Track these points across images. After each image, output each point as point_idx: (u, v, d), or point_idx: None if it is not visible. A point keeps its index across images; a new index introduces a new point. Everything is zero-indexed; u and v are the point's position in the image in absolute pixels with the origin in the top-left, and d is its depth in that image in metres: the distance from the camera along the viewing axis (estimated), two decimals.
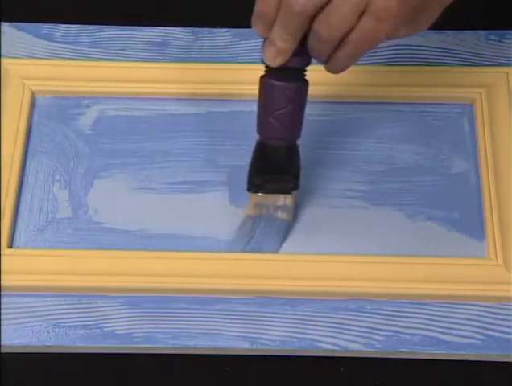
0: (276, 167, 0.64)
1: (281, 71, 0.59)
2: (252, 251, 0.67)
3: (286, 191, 0.66)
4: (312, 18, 0.54)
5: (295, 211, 0.68)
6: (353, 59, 0.57)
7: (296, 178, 0.66)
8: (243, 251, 0.67)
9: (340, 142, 0.72)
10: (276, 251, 0.67)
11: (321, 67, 0.74)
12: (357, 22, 0.54)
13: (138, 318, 0.65)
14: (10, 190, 0.69)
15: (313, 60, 0.59)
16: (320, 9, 0.54)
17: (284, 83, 0.59)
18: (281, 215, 0.67)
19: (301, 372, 0.64)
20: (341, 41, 0.55)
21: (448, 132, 0.73)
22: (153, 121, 0.73)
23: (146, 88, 0.74)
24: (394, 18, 0.54)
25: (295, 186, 0.66)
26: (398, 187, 0.70)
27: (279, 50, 0.56)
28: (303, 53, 0.57)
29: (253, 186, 0.66)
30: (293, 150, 0.64)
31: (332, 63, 0.57)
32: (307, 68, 0.60)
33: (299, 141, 0.64)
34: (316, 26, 0.54)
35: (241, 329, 0.64)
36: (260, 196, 0.66)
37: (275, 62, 0.57)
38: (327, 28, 0.54)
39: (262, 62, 0.59)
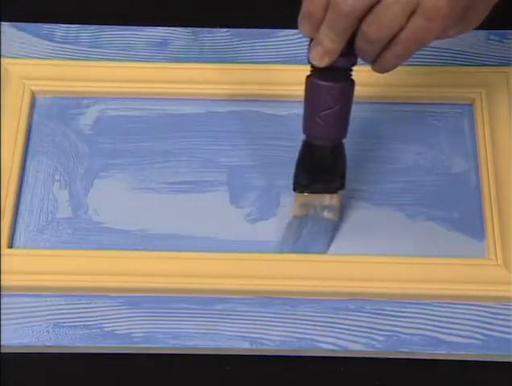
0: (322, 167, 0.64)
1: (327, 71, 0.58)
2: (300, 251, 0.67)
3: (333, 191, 0.66)
4: (361, 18, 0.54)
5: (342, 211, 0.68)
6: (401, 59, 0.56)
7: (342, 177, 0.65)
8: (291, 251, 0.67)
9: None
10: (324, 251, 0.67)
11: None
12: (407, 22, 0.53)
13: (138, 318, 0.65)
14: (10, 190, 0.69)
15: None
16: (369, 9, 0.53)
17: (331, 83, 0.59)
18: (327, 215, 0.67)
19: (301, 372, 0.64)
20: (390, 41, 0.55)
21: (448, 132, 0.73)
22: (153, 121, 0.73)
23: (146, 88, 0.74)
24: (444, 18, 0.53)
25: (341, 186, 0.66)
26: (398, 187, 0.70)
27: (326, 50, 0.56)
28: (349, 53, 0.56)
29: (300, 186, 0.66)
30: (339, 150, 0.64)
31: (379, 63, 0.57)
32: (354, 68, 0.59)
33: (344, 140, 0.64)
34: (365, 26, 0.54)
35: (241, 329, 0.64)
36: (306, 196, 0.66)
37: (322, 62, 0.57)
38: (376, 28, 0.54)
39: (308, 62, 0.58)
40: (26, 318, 0.64)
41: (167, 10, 0.80)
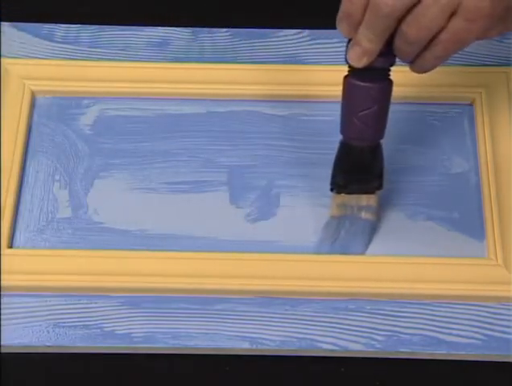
0: (360, 167, 0.64)
1: (365, 71, 0.57)
2: (338, 252, 0.67)
3: (370, 191, 0.66)
4: (400, 18, 0.53)
5: (379, 211, 0.68)
6: (440, 60, 0.56)
7: (380, 177, 0.65)
8: (329, 252, 0.67)
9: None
10: (363, 252, 0.67)
11: (320, 68, 0.75)
12: (447, 23, 0.53)
13: (138, 318, 0.65)
14: (10, 190, 0.69)
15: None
16: (409, 9, 0.53)
17: (369, 83, 0.59)
18: (365, 215, 0.66)
19: (301, 372, 0.64)
20: (429, 42, 0.54)
21: (448, 132, 0.73)
22: (153, 121, 0.73)
23: (146, 88, 0.74)
24: (485, 19, 0.53)
25: (379, 186, 0.66)
26: (398, 187, 0.70)
27: (365, 51, 0.56)
28: (388, 53, 0.56)
29: (337, 187, 0.66)
30: (376, 150, 0.64)
31: (418, 64, 0.57)
32: (392, 68, 0.59)
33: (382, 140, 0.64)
34: (405, 27, 0.53)
35: (240, 329, 0.64)
36: (343, 196, 0.66)
37: (360, 63, 0.56)
38: (416, 30, 0.53)
39: (346, 62, 0.58)
40: (26, 318, 0.64)
41: (167, 10, 0.80)
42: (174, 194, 0.70)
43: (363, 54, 0.56)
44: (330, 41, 0.76)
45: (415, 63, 0.57)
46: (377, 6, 0.53)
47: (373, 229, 0.67)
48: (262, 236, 0.68)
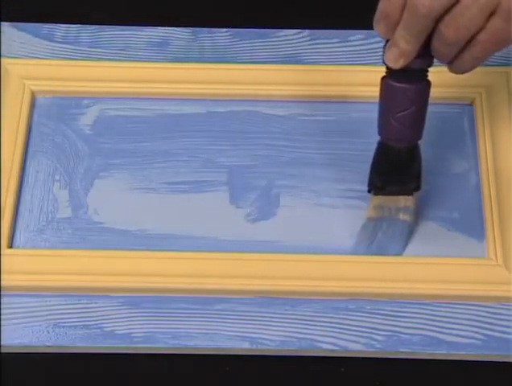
0: (398, 168, 0.64)
1: (402, 72, 0.57)
2: (375, 254, 0.66)
3: (408, 193, 0.66)
4: (437, 19, 0.53)
5: (417, 212, 0.67)
6: (479, 61, 0.56)
7: (418, 178, 0.65)
8: (366, 253, 0.66)
9: (340, 142, 0.72)
10: (400, 253, 0.67)
11: (320, 68, 0.75)
12: (486, 23, 0.52)
13: (138, 318, 0.65)
14: (10, 190, 0.69)
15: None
16: (447, 10, 0.52)
17: (406, 84, 0.58)
18: (403, 216, 0.66)
19: (301, 372, 0.64)
20: (468, 42, 0.54)
21: (448, 132, 0.73)
22: (153, 121, 0.73)
23: (146, 88, 0.74)
24: None
25: (417, 187, 0.66)
26: None
27: (402, 52, 0.55)
28: (425, 54, 0.56)
29: (375, 188, 0.66)
30: (414, 151, 0.63)
31: (456, 65, 0.56)
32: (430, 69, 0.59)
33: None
34: (442, 27, 0.53)
35: (240, 329, 0.64)
36: (380, 198, 0.66)
37: (397, 64, 0.56)
38: (454, 30, 0.53)
39: (383, 63, 0.58)
40: (26, 318, 0.64)
41: (167, 10, 0.80)
42: (174, 194, 0.70)
43: (400, 55, 0.56)
44: (330, 41, 0.76)
45: (454, 64, 0.56)
46: (414, 6, 0.52)
47: (410, 231, 0.67)
48: (262, 236, 0.68)
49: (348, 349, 0.64)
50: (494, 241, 0.67)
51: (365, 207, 0.69)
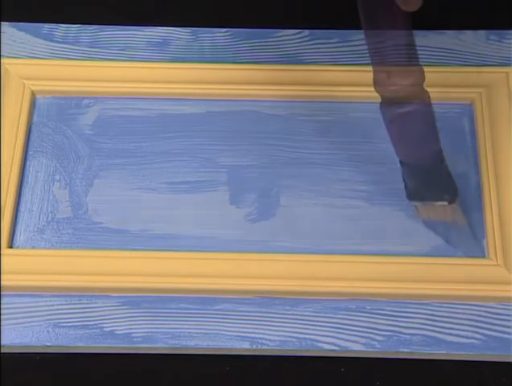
0: (425, 182, 0.65)
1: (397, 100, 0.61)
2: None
3: (450, 200, 0.66)
4: None
5: (463, 214, 0.68)
6: None
7: (449, 190, 0.66)
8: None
9: (340, 142, 0.72)
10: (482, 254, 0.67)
11: (320, 68, 0.75)
12: None
13: (138, 318, 0.65)
14: (10, 190, 0.69)
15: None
16: None
17: (405, 108, 0.62)
18: (454, 220, 0.67)
19: (301, 372, 0.64)
20: None
21: (448, 132, 0.72)
22: (153, 121, 0.73)
23: (146, 88, 0.74)
24: None
25: (452, 200, 0.66)
26: (398, 187, 0.70)
27: None
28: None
29: (410, 197, 0.67)
30: (438, 165, 0.64)
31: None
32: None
33: None
34: None
35: (240, 329, 0.64)
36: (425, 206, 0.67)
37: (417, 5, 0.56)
38: None
39: (377, 92, 0.61)
40: (26, 318, 0.64)
41: (167, 10, 0.80)
42: (174, 194, 0.70)
43: None
44: (330, 41, 0.76)
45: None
46: None
47: (468, 231, 0.68)
48: (262, 236, 0.68)
49: (348, 349, 0.64)
50: (494, 241, 0.67)
51: (365, 207, 0.69)
